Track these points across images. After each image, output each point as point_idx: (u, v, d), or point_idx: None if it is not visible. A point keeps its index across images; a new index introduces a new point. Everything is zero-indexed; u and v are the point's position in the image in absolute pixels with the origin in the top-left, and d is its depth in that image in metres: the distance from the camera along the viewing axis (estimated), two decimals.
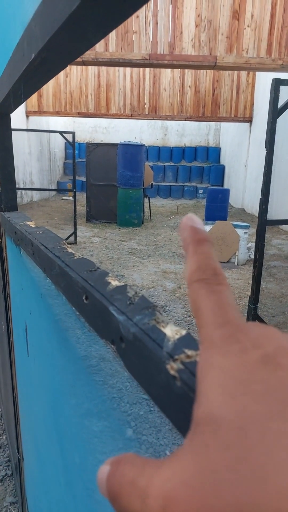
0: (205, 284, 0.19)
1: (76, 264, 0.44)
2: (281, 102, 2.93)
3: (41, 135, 12.04)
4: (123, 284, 0.36)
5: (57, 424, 0.64)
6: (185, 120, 10.78)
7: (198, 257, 0.20)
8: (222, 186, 13.76)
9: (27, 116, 11.13)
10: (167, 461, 0.15)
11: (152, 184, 9.53)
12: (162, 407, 0.23)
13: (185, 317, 3.68)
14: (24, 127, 10.70)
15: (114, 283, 0.37)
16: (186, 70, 10.04)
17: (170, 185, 13.93)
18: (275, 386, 0.14)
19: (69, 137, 6.32)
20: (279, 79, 2.87)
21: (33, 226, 0.74)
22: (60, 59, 0.43)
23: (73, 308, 0.41)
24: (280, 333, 0.17)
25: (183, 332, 0.26)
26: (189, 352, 0.23)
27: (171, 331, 0.26)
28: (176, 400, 0.21)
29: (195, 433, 0.15)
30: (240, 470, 0.12)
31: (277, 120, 2.93)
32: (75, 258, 0.47)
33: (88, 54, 6.09)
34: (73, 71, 10.26)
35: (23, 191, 10.87)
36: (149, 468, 0.15)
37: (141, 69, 9.98)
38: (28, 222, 0.77)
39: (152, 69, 9.90)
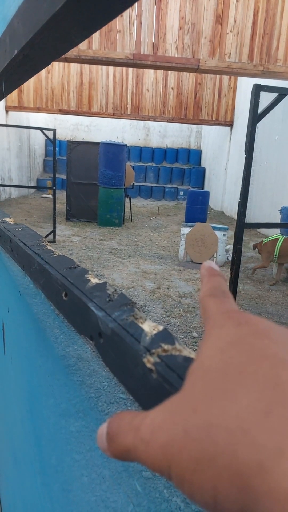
0: (214, 296, 0.22)
1: (56, 262, 0.44)
2: (261, 108, 3.00)
3: (21, 131, 11.82)
4: (102, 281, 0.37)
5: (34, 424, 0.64)
6: (167, 122, 10.85)
7: (211, 283, 0.23)
8: (203, 188, 13.93)
9: (7, 111, 10.89)
10: (161, 404, 0.17)
11: (133, 184, 9.53)
12: (138, 399, 0.24)
13: (164, 317, 3.71)
14: (3, 122, 10.47)
15: (94, 280, 0.37)
16: (169, 72, 10.11)
17: (151, 186, 13.98)
18: (258, 347, 0.16)
19: (50, 134, 6.24)
20: (260, 85, 2.94)
21: (12, 223, 0.73)
22: (43, 57, 0.43)
23: (52, 305, 0.41)
24: (273, 323, 0.19)
25: (160, 327, 0.27)
26: (166, 346, 0.24)
27: (149, 327, 0.27)
28: (152, 392, 0.22)
29: (186, 380, 0.17)
30: (215, 397, 0.15)
31: (257, 125, 2.99)
32: (55, 255, 0.48)
33: (71, 51, 6.03)
34: (55, 67, 10.13)
35: (1, 188, 10.64)
36: (145, 412, 0.18)
37: (124, 68, 9.97)
38: (7, 219, 0.77)
39: (135, 69, 9.90)
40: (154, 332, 0.26)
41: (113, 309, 0.30)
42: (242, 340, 0.17)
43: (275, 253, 5.02)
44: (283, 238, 5.04)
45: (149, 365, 0.23)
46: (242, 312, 0.20)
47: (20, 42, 0.40)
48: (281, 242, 5.00)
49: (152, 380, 0.22)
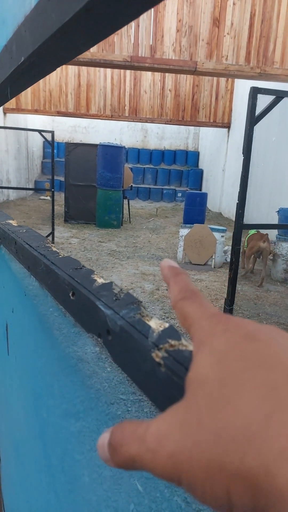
0: (187, 299, 0.23)
1: (62, 262, 0.45)
2: (258, 110, 3.02)
3: (19, 133, 11.82)
4: (108, 281, 0.38)
5: (38, 424, 0.65)
6: (165, 123, 10.88)
7: (178, 284, 0.24)
8: (200, 190, 13.96)
9: (5, 113, 10.90)
10: (164, 413, 0.18)
11: (131, 186, 9.55)
12: (147, 392, 0.25)
13: (163, 318, 3.72)
14: (1, 125, 10.47)
15: (100, 280, 0.39)
16: (166, 74, 10.14)
17: (150, 188, 14.00)
18: (251, 352, 0.17)
19: (48, 136, 6.25)
20: (257, 87, 2.96)
21: (15, 225, 0.74)
22: (49, 63, 0.44)
23: (59, 304, 0.43)
24: (256, 322, 0.20)
25: (167, 324, 0.28)
26: (173, 342, 0.25)
27: (155, 324, 0.28)
28: (160, 385, 0.23)
29: (187, 391, 0.18)
30: (218, 407, 0.16)
31: (254, 127, 3.02)
32: (60, 256, 0.49)
33: None
34: None
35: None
36: (147, 421, 0.19)
37: (122, 70, 10.00)
38: (10, 221, 0.78)
39: (133, 71, 9.93)
40: (161, 328, 0.27)
41: (121, 307, 0.31)
42: (235, 347, 0.18)
43: (245, 244, 5.23)
44: (255, 231, 5.29)
45: (157, 360, 0.24)
46: (225, 315, 0.21)
47: (28, 50, 0.41)
48: (250, 234, 5.30)
49: (160, 374, 0.23)
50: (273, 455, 0.13)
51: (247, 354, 0.17)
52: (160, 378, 0.23)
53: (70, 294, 0.38)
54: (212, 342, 0.19)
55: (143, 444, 0.17)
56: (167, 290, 4.39)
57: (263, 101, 3.05)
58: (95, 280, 0.39)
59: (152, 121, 10.71)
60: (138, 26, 6.25)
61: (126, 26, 6.21)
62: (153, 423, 0.18)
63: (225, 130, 11.48)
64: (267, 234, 5.22)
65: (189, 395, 0.18)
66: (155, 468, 0.17)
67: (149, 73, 10.13)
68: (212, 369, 0.17)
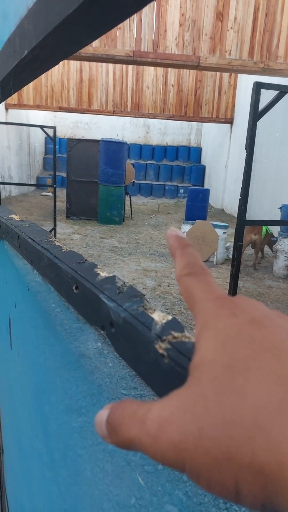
0: (193, 276, 0.22)
1: (65, 256, 0.45)
2: (261, 105, 3.00)
3: (21, 129, 11.80)
4: (111, 275, 0.38)
5: (41, 418, 0.65)
6: (168, 119, 10.83)
7: (185, 257, 0.23)
8: (203, 186, 13.92)
9: (6, 109, 10.88)
10: (166, 397, 0.17)
11: (133, 182, 9.53)
12: (150, 383, 0.25)
13: None
14: (3, 120, 10.45)
15: (103, 274, 0.39)
16: (169, 69, 10.08)
17: (152, 184, 13.97)
18: (258, 338, 0.17)
19: (50, 131, 6.24)
20: (260, 82, 2.94)
21: (18, 219, 0.74)
22: (52, 57, 0.44)
23: (62, 298, 0.43)
24: (264, 305, 0.20)
25: (169, 317, 0.28)
26: (176, 334, 0.25)
27: (158, 316, 0.28)
28: (164, 376, 0.24)
29: (191, 375, 0.18)
30: (226, 393, 0.15)
31: (258, 123, 3.00)
32: (63, 250, 0.49)
33: None
34: None
35: (1, 186, 10.63)
36: (148, 404, 0.18)
37: (124, 65, 9.94)
38: (13, 216, 0.78)
39: (135, 66, 9.88)
40: (164, 321, 0.27)
41: (124, 300, 0.31)
42: (241, 332, 0.17)
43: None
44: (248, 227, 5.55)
45: (161, 351, 0.24)
46: (231, 298, 0.20)
47: (31, 43, 0.41)
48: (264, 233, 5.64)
49: (164, 365, 0.24)
50: (285, 446, 0.13)
51: (254, 340, 0.16)
52: (164, 369, 0.24)
53: (74, 288, 0.39)
54: (217, 326, 0.18)
55: (144, 427, 0.17)
56: (168, 286, 4.39)
57: (266, 96, 3.03)
58: (98, 273, 0.39)
59: (154, 116, 10.67)
60: (141, 20, 6.21)
61: (128, 20, 6.17)
62: (155, 406, 0.17)
63: (228, 125, 11.42)
64: (260, 227, 5.34)
65: (193, 380, 0.17)
66: (155, 453, 0.16)
67: (152, 68, 10.07)
68: (217, 354, 0.17)
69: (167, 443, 0.16)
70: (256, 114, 2.96)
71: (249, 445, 0.14)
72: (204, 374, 0.17)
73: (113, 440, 0.18)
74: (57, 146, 7.29)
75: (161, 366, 0.24)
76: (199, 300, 0.20)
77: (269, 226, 5.90)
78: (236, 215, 3.29)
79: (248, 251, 6.08)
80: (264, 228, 5.63)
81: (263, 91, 2.94)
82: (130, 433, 0.17)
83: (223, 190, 11.87)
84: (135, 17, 6.19)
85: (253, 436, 0.14)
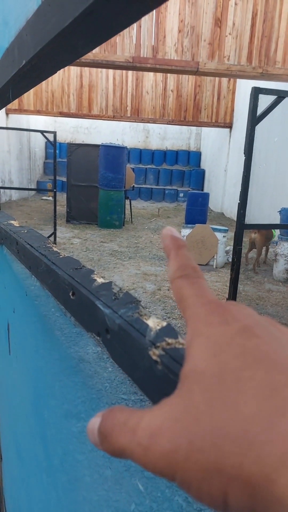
0: (186, 278, 0.22)
1: (62, 262, 0.46)
2: (260, 110, 3.02)
3: (21, 134, 11.86)
4: (108, 281, 0.39)
5: (39, 424, 0.65)
6: (167, 124, 10.89)
7: (179, 259, 0.23)
8: (202, 190, 13.96)
9: (7, 114, 10.94)
10: (157, 406, 0.18)
11: (133, 186, 9.56)
12: (144, 389, 0.26)
13: (165, 319, 3.72)
14: (4, 125, 10.51)
15: (100, 280, 0.39)
16: (168, 74, 10.15)
17: (151, 188, 14.01)
18: (250, 348, 0.16)
19: (50, 136, 6.27)
20: (258, 87, 2.96)
21: (17, 225, 0.75)
22: (50, 66, 0.45)
23: (59, 304, 0.43)
24: (255, 312, 0.20)
25: (164, 323, 0.29)
26: (170, 340, 0.25)
27: (153, 323, 0.29)
28: (157, 382, 0.24)
29: (182, 384, 0.18)
30: (216, 405, 0.15)
31: (256, 127, 3.02)
32: (61, 256, 0.49)
33: None
34: None
35: (2, 190, 10.66)
36: (139, 412, 0.18)
37: (124, 71, 10.01)
38: (12, 221, 0.78)
39: (135, 71, 9.95)
40: (158, 327, 0.28)
41: (119, 306, 0.32)
42: (233, 341, 0.17)
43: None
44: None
45: (154, 357, 0.24)
46: (222, 304, 0.20)
47: (29, 53, 0.42)
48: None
49: (157, 371, 0.24)
50: (274, 460, 0.13)
51: (246, 350, 0.16)
52: (157, 376, 0.24)
53: (70, 294, 0.39)
54: (208, 333, 0.18)
55: (134, 437, 0.17)
56: (168, 290, 4.40)
57: (264, 101, 3.05)
58: (95, 279, 0.39)
59: (154, 121, 10.72)
60: (140, 27, 6.26)
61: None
62: (145, 416, 0.17)
63: (227, 130, 11.47)
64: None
65: (184, 390, 0.17)
66: (146, 463, 0.16)
67: (151, 73, 10.14)
68: (209, 363, 0.17)
69: (158, 453, 0.16)
70: (254, 119, 2.98)
71: (237, 457, 0.14)
72: (195, 384, 0.17)
73: (105, 448, 0.19)
74: (57, 151, 7.33)
75: (155, 373, 0.24)
76: (191, 304, 0.20)
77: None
78: (235, 219, 3.30)
79: (254, 254, 6.09)
80: (273, 231, 5.78)
81: (261, 96, 2.96)
82: (121, 442, 0.18)
83: (222, 194, 11.90)
84: (134, 23, 6.24)
85: (243, 450, 0.14)
